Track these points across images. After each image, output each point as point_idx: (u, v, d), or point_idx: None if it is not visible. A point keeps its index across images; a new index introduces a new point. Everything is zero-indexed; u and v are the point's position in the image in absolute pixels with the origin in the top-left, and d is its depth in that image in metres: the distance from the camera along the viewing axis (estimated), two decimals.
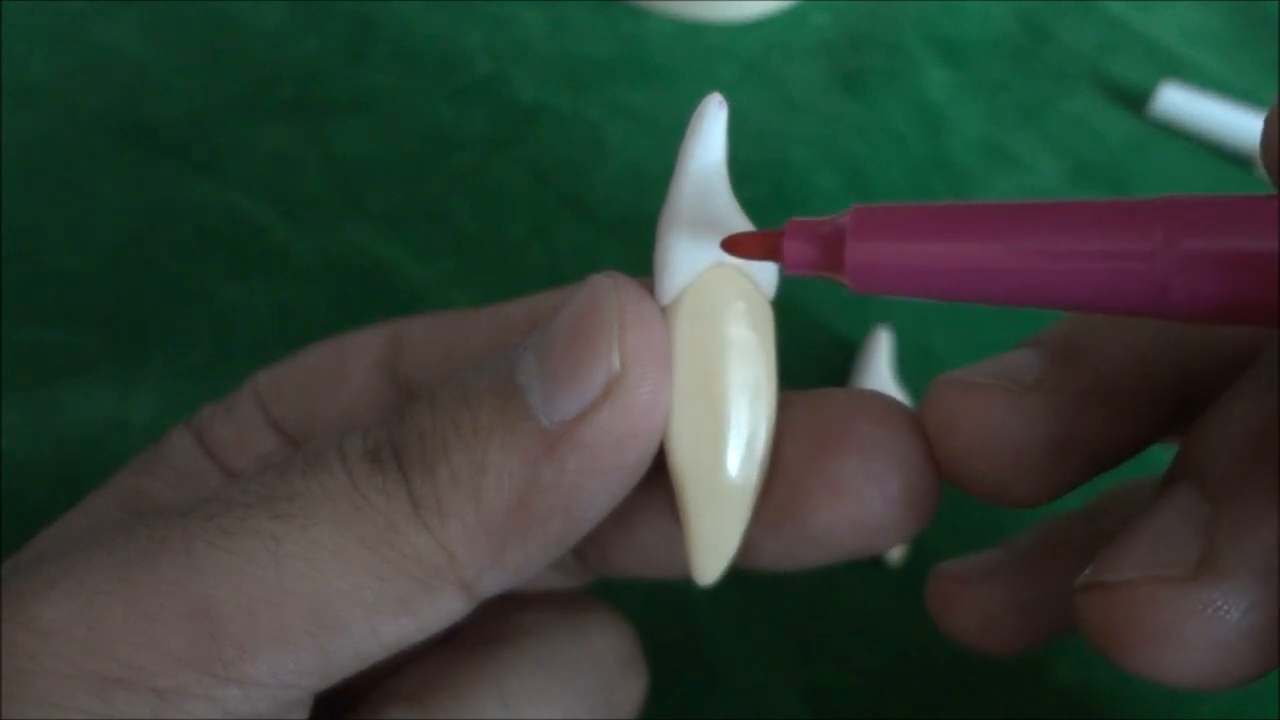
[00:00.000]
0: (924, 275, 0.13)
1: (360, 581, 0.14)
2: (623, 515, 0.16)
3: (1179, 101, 0.36)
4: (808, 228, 0.14)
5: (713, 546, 0.15)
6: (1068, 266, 0.13)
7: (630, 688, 0.19)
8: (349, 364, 0.19)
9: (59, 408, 0.28)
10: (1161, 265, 0.12)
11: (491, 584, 0.14)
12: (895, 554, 0.27)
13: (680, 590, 0.26)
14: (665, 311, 0.15)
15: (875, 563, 0.27)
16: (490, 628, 0.18)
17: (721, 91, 0.15)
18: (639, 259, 0.15)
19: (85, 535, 0.14)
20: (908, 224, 0.13)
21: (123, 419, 0.28)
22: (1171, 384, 0.15)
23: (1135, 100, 0.37)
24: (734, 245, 0.15)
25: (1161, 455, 0.17)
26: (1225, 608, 0.12)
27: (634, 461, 0.14)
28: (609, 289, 0.14)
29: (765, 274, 0.15)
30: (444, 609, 0.14)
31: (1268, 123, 0.13)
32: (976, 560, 0.19)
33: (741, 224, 0.15)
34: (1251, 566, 0.12)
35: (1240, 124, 0.36)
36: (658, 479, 0.15)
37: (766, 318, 0.15)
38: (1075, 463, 0.15)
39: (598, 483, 0.14)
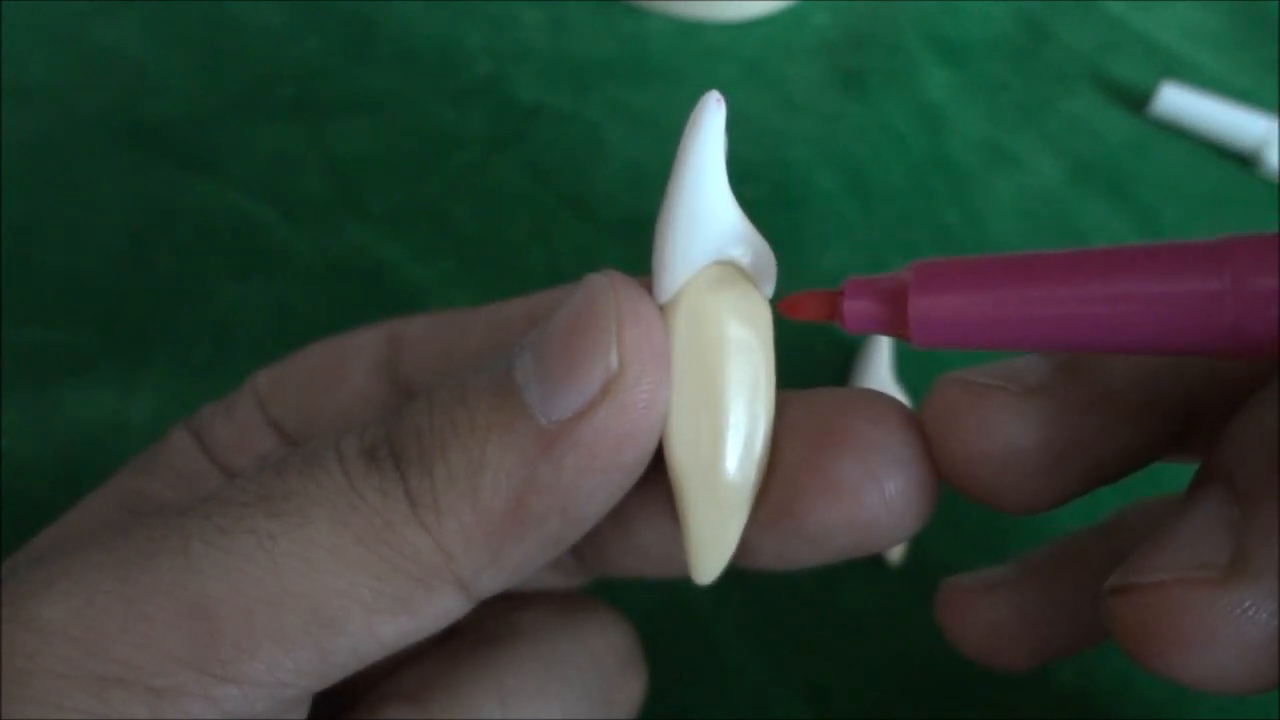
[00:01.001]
0: (990, 327, 0.13)
1: (358, 580, 0.14)
2: (621, 514, 0.16)
3: (1179, 101, 0.36)
4: (868, 286, 0.14)
5: (711, 546, 0.15)
6: (1137, 310, 0.13)
7: (629, 687, 0.19)
8: (348, 364, 0.19)
9: (59, 408, 0.28)
10: (1230, 304, 0.12)
11: (489, 583, 0.14)
12: (895, 554, 0.27)
13: (680, 590, 0.26)
14: (664, 310, 0.15)
15: (875, 563, 0.27)
16: (489, 627, 0.18)
17: (721, 91, 0.15)
18: (639, 259, 0.15)
19: (84, 535, 0.14)
20: (970, 276, 0.14)
21: (123, 419, 0.28)
22: (1177, 400, 0.15)
23: (1135, 100, 0.37)
24: (792, 307, 0.15)
25: (1164, 477, 0.18)
26: (1256, 610, 0.12)
27: (632, 461, 0.14)
28: (607, 287, 0.14)
29: (764, 272, 0.15)
30: (442, 608, 0.14)
31: None
32: (986, 573, 0.19)
33: (740, 222, 0.15)
34: None
35: (1240, 124, 0.36)
36: (656, 478, 0.15)
37: (765, 317, 0.15)
38: (1074, 471, 0.15)
39: (596, 482, 0.14)
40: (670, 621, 0.26)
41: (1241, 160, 0.36)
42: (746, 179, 0.34)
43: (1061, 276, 0.13)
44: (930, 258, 0.14)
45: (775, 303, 0.15)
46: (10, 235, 0.31)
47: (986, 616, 0.19)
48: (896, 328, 0.14)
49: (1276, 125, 0.35)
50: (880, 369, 0.29)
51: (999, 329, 0.13)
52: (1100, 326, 0.13)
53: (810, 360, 0.30)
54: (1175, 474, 0.17)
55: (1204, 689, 0.13)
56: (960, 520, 0.27)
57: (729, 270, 0.15)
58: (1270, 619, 0.12)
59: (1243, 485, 0.13)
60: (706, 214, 0.15)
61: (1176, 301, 0.13)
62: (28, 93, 0.35)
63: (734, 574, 0.16)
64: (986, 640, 0.19)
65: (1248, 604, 0.12)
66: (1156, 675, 0.13)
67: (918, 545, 0.27)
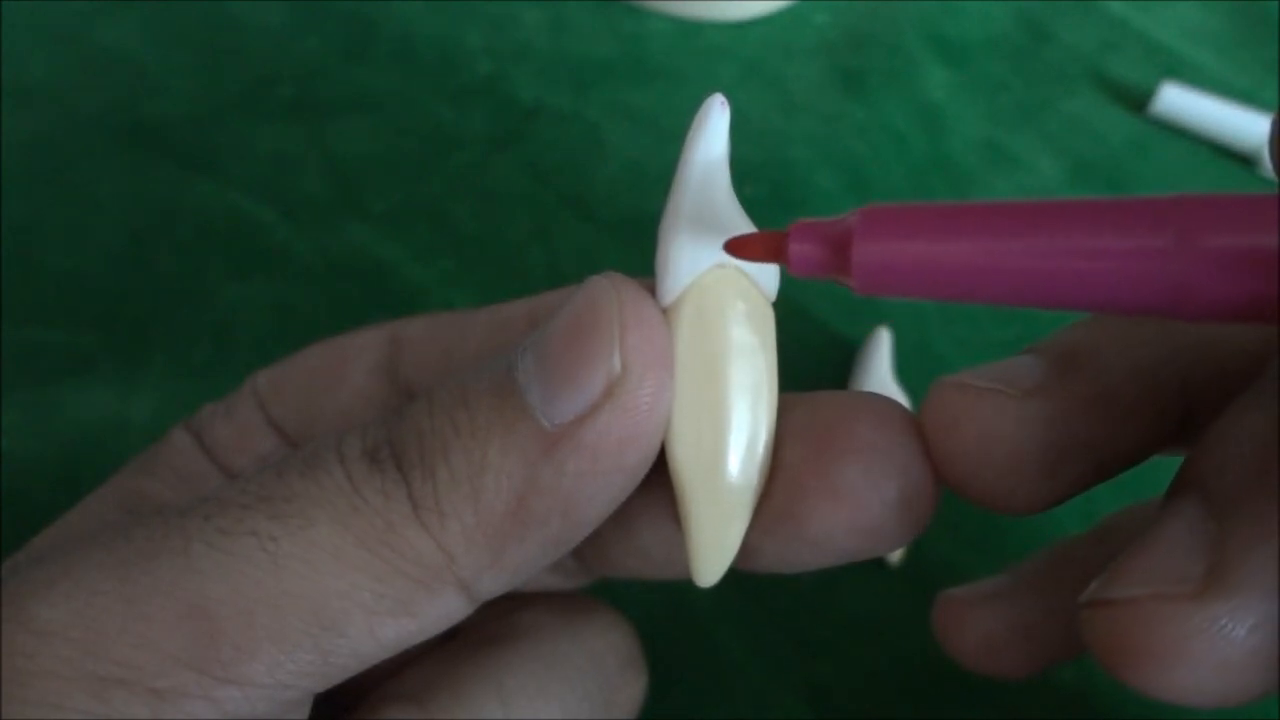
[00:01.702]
0: (933, 275, 0.13)
1: (359, 582, 0.14)
2: (623, 516, 0.16)
3: (1179, 101, 0.36)
4: (813, 229, 0.14)
5: (713, 548, 0.15)
6: (1081, 265, 0.12)
7: (630, 688, 0.19)
8: (348, 364, 0.19)
9: (59, 408, 0.28)
10: (1178, 262, 0.12)
11: (491, 585, 0.14)
12: (895, 555, 0.27)
13: (680, 591, 0.26)
14: (666, 312, 0.15)
15: (875, 563, 0.27)
16: (490, 628, 0.18)
17: (722, 91, 0.15)
18: (639, 259, 0.15)
19: (84, 535, 0.14)
20: (916, 224, 0.13)
21: (123, 419, 0.28)
22: (1173, 394, 0.15)
23: (1135, 100, 0.37)
24: (738, 247, 0.14)
25: (1163, 470, 0.17)
26: (1231, 625, 0.12)
27: (634, 463, 0.14)
28: (609, 290, 0.14)
29: (766, 275, 0.15)
30: (443, 610, 0.14)
31: (1275, 121, 0.13)
32: (981, 585, 0.20)
33: (743, 224, 0.15)
34: (1258, 583, 0.12)
35: (1240, 124, 0.36)
36: (658, 480, 0.15)
37: (767, 319, 0.15)
38: (1073, 470, 0.15)
39: (597, 484, 0.14)
40: (671, 622, 0.26)
41: (1241, 160, 0.36)
42: (747, 179, 0.34)
43: (1009, 227, 0.13)
44: (878, 204, 0.14)
45: (724, 243, 0.14)
46: (10, 235, 0.31)
47: (982, 627, 0.19)
48: (840, 272, 0.14)
49: None
50: (880, 370, 0.29)
51: (942, 279, 0.13)
52: (1044, 280, 0.13)
53: (811, 361, 0.30)
54: (1173, 469, 0.17)
55: (1181, 704, 0.13)
56: (960, 520, 0.27)
57: (732, 273, 0.15)
58: (1247, 634, 0.12)
59: (1218, 496, 0.13)
60: (710, 216, 0.15)
61: (1122, 257, 0.12)
62: (28, 93, 0.35)
63: (734, 576, 0.16)
64: (983, 651, 0.19)
65: (1223, 619, 0.12)
66: (1133, 690, 0.13)
67: (918, 546, 0.27)
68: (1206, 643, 0.12)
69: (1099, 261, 0.12)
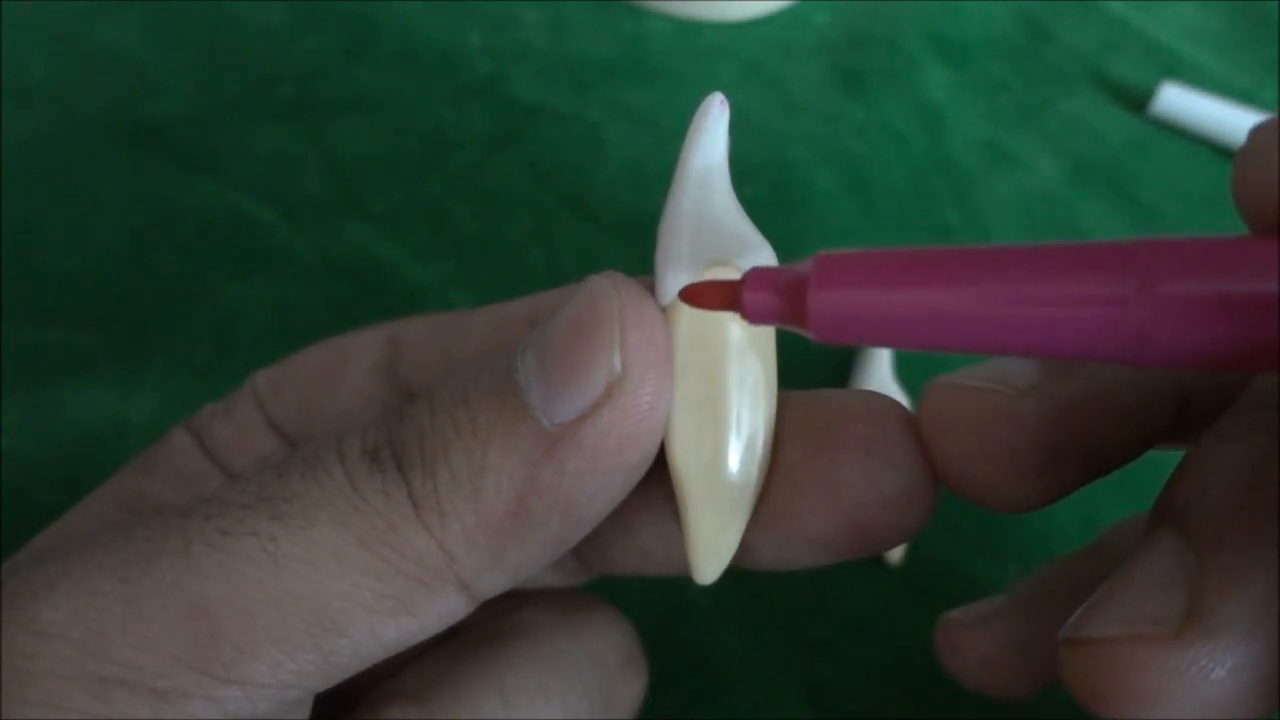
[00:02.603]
0: (889, 324, 0.13)
1: (359, 582, 0.14)
2: (622, 514, 0.16)
3: (1179, 101, 0.36)
4: (767, 276, 0.14)
5: (712, 546, 0.15)
6: (1038, 313, 0.12)
7: (630, 686, 0.19)
8: (348, 365, 0.19)
9: (59, 408, 0.28)
10: (1136, 310, 0.12)
11: (491, 584, 0.14)
12: (895, 554, 0.27)
13: (680, 590, 0.26)
14: (666, 312, 0.15)
15: (875, 563, 0.27)
16: (490, 626, 0.18)
17: (722, 91, 0.15)
18: (639, 259, 0.15)
19: (84, 536, 0.14)
20: (871, 271, 0.13)
21: (123, 419, 0.28)
22: (1168, 390, 0.15)
23: (1135, 100, 0.37)
24: (692, 296, 0.14)
25: (1161, 468, 0.17)
26: (1210, 666, 0.12)
27: (634, 462, 0.14)
28: (609, 289, 0.14)
29: None
30: (443, 609, 0.14)
31: (1239, 160, 0.13)
32: (981, 605, 0.20)
33: (743, 223, 0.15)
34: (1237, 622, 0.12)
35: (1240, 124, 0.36)
36: (658, 478, 0.15)
37: None
38: (1069, 467, 0.15)
39: (598, 483, 0.14)
40: (670, 621, 0.26)
41: None
42: (747, 179, 0.34)
43: (966, 274, 0.12)
44: (833, 249, 0.13)
45: (680, 292, 0.14)
46: (10, 235, 0.31)
47: (983, 649, 0.19)
48: (797, 321, 0.13)
49: None
50: (880, 369, 0.29)
51: (898, 327, 0.13)
52: (1002, 328, 0.12)
53: (810, 360, 0.30)
54: (1171, 463, 0.17)
55: None
56: (960, 520, 0.27)
57: (731, 272, 0.15)
58: (1227, 675, 0.12)
59: (1196, 531, 0.13)
60: (709, 216, 0.15)
61: (1080, 303, 0.12)
62: (28, 93, 0.35)
63: (734, 574, 0.16)
64: (985, 672, 0.19)
65: (1202, 660, 0.12)
66: None
67: (917, 545, 0.27)
68: (1186, 684, 0.12)
69: (1058, 309, 0.12)
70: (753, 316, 0.14)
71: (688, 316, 0.15)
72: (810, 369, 0.30)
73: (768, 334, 0.15)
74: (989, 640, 0.19)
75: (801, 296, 0.13)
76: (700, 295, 0.14)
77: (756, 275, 0.14)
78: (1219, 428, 0.14)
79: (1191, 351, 0.12)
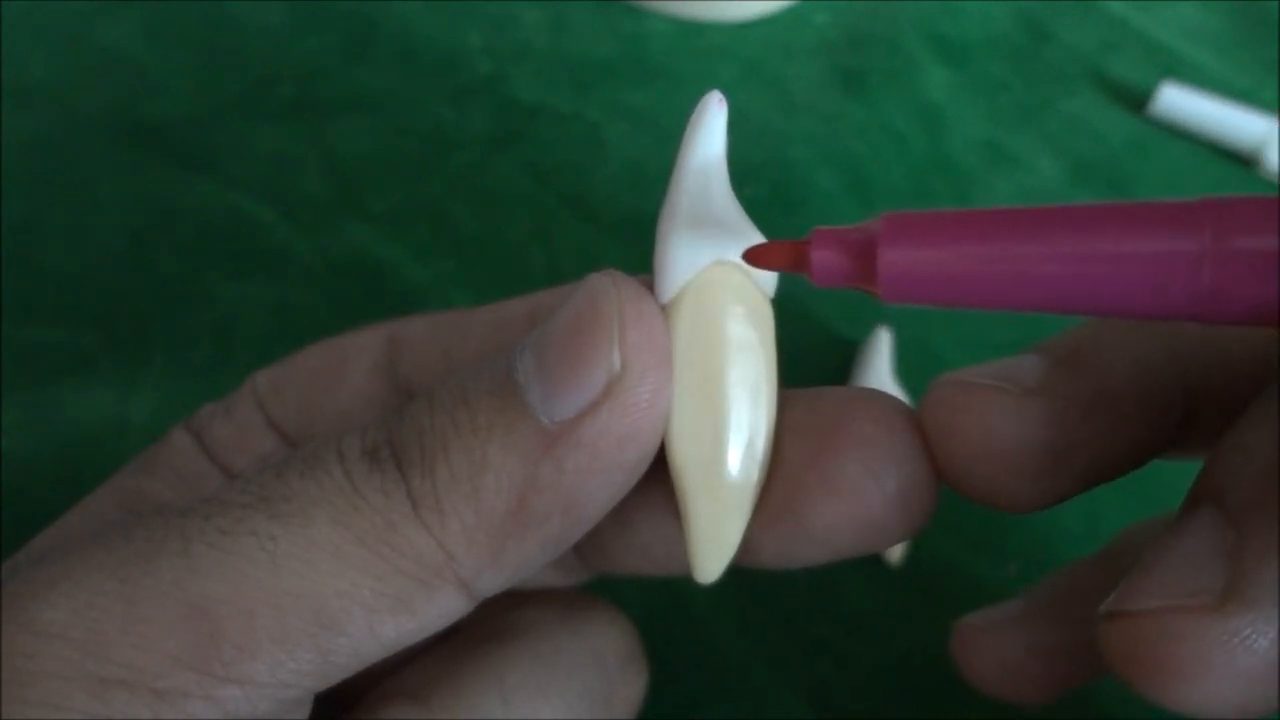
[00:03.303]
0: (960, 282, 0.13)
1: (359, 581, 0.14)
2: (623, 513, 0.16)
3: (1179, 101, 0.36)
4: (836, 236, 0.13)
5: (713, 545, 0.15)
6: (1110, 270, 0.12)
7: (630, 685, 0.19)
8: (348, 364, 0.19)
9: (59, 408, 0.28)
10: (1211, 266, 0.12)
11: (490, 583, 0.14)
12: (895, 554, 0.27)
13: (680, 589, 0.26)
14: (665, 310, 0.15)
15: (875, 563, 0.27)
16: (490, 625, 0.18)
17: (721, 91, 0.15)
18: (639, 259, 0.15)
19: (84, 536, 0.14)
20: (942, 229, 0.13)
21: (123, 419, 0.28)
22: (1176, 397, 0.15)
23: (1135, 100, 0.37)
24: (757, 256, 0.14)
25: (1165, 475, 0.17)
26: (1253, 637, 0.12)
27: (634, 461, 0.14)
28: (609, 287, 0.14)
29: (764, 273, 0.15)
30: (443, 608, 0.14)
31: None
32: (996, 611, 0.20)
33: (741, 221, 0.15)
34: (1278, 594, 0.12)
35: (1240, 124, 0.36)
36: (658, 477, 0.15)
37: (767, 316, 0.15)
38: (1072, 470, 0.15)
39: (597, 482, 0.14)
40: (670, 620, 0.26)
41: (1241, 160, 0.36)
42: (746, 179, 0.34)
43: (1037, 232, 0.12)
44: (901, 210, 0.13)
45: (743, 253, 0.14)
46: (10, 235, 0.31)
47: (1000, 655, 0.19)
48: (865, 281, 0.13)
49: (1276, 125, 0.35)
50: (880, 368, 0.29)
51: (970, 285, 0.13)
52: (1073, 286, 0.12)
53: (811, 360, 0.30)
54: (1176, 474, 0.17)
55: (1200, 716, 0.12)
56: (960, 520, 0.27)
57: (730, 270, 0.15)
58: (1268, 647, 0.12)
59: (1236, 507, 0.13)
60: (708, 213, 0.15)
61: (1153, 261, 0.12)
62: (28, 93, 0.35)
63: (734, 573, 0.16)
64: (1002, 679, 0.19)
65: (1245, 631, 0.12)
66: (1152, 702, 0.13)
67: (918, 545, 0.27)
68: (1227, 655, 0.12)
69: (1130, 265, 0.12)
70: (820, 275, 0.14)
71: (687, 314, 0.15)
72: (811, 370, 0.30)
73: (768, 331, 0.15)
74: (1006, 646, 0.19)
75: (871, 255, 0.13)
76: (764, 255, 0.14)
77: (824, 234, 0.13)
78: (1256, 410, 0.14)
79: (1264, 307, 0.12)
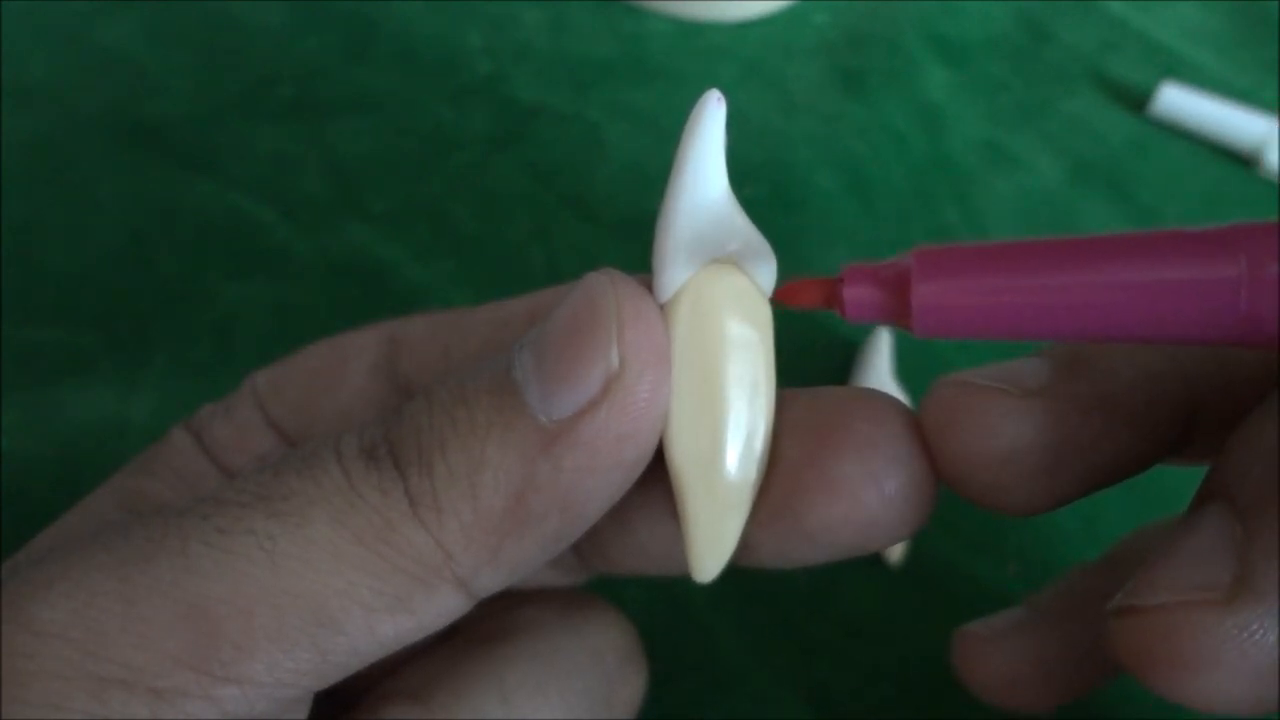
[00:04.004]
0: (995, 316, 0.13)
1: (357, 580, 0.14)
2: (621, 512, 0.16)
3: (1179, 101, 0.36)
4: (867, 273, 0.14)
5: (711, 544, 0.15)
6: (1147, 297, 0.12)
7: (630, 684, 0.19)
8: (347, 364, 0.19)
9: (59, 408, 0.28)
10: (1248, 291, 0.12)
11: (489, 582, 0.14)
12: (895, 554, 0.27)
13: (680, 589, 0.26)
14: (664, 309, 0.15)
15: (875, 563, 0.27)
16: (490, 625, 0.18)
17: (721, 91, 0.15)
18: (639, 259, 0.15)
19: (84, 536, 0.14)
20: (974, 263, 0.13)
21: (123, 419, 0.28)
22: (1179, 402, 0.15)
23: (1135, 100, 0.37)
24: (789, 295, 0.14)
25: (1166, 480, 0.17)
26: (1263, 631, 0.12)
27: (632, 459, 0.14)
28: (607, 286, 0.14)
29: (763, 271, 0.15)
30: (441, 607, 0.14)
31: None
32: (999, 619, 0.19)
33: (740, 220, 0.15)
34: None
35: (1240, 124, 0.36)
36: (656, 476, 0.15)
37: (765, 315, 0.15)
38: (1073, 473, 0.15)
39: (596, 481, 0.14)
40: (670, 619, 0.26)
41: (1241, 160, 0.36)
42: (746, 179, 0.34)
43: (1070, 263, 0.13)
44: (931, 244, 0.13)
45: (774, 293, 0.14)
46: (10, 235, 0.31)
47: (1003, 664, 0.19)
48: (898, 316, 0.13)
49: (1276, 125, 0.35)
50: (880, 368, 0.29)
51: (1004, 317, 0.13)
52: (1109, 315, 0.12)
53: (810, 359, 0.30)
54: (1177, 477, 0.17)
55: (1208, 711, 0.12)
56: (960, 520, 0.27)
57: (729, 269, 0.15)
58: (1277, 640, 0.12)
59: (1245, 503, 0.13)
60: (707, 212, 0.15)
61: (1189, 289, 0.12)
62: (28, 93, 0.35)
63: (733, 572, 0.16)
64: (1004, 687, 0.19)
65: (1254, 625, 0.12)
66: (1160, 696, 0.13)
67: (918, 545, 0.27)
68: (1238, 649, 0.12)
69: (1165, 293, 0.12)
70: (853, 312, 0.14)
71: (686, 313, 0.15)
72: (811, 370, 0.30)
73: (767, 331, 0.15)
74: (1009, 655, 0.19)
75: (904, 291, 0.13)
76: (795, 294, 0.14)
77: (855, 271, 0.14)
78: (1261, 412, 0.14)
79: None
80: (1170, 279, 0.12)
